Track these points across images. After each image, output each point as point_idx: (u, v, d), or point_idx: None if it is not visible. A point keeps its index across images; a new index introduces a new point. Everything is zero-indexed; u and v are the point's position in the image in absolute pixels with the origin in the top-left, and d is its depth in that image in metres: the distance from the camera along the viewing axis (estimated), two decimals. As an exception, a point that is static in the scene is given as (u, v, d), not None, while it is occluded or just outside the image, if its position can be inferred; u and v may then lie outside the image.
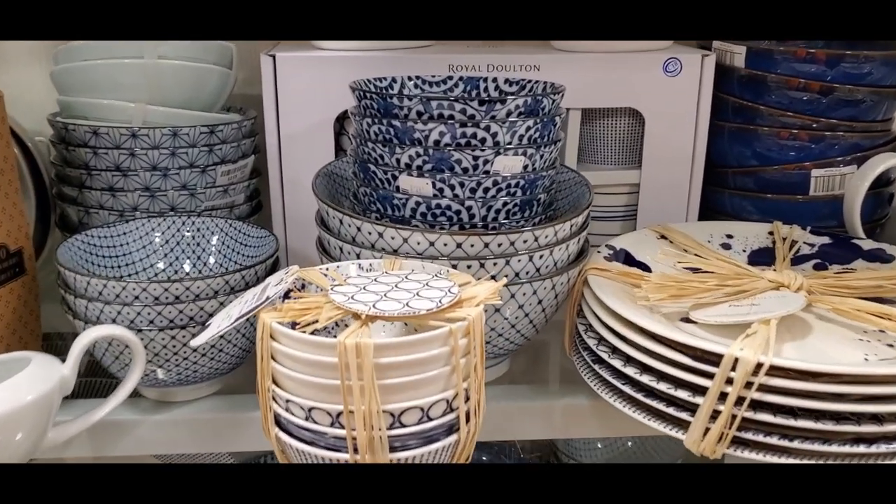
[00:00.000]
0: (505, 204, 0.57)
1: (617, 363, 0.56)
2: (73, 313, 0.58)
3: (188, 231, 0.69)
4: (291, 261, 0.77)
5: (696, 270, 0.66)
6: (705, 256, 0.66)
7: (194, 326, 0.56)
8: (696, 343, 0.51)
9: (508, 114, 0.56)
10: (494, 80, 0.67)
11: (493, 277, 0.56)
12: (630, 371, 0.55)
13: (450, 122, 0.55)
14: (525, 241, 0.56)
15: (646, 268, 0.66)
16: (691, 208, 0.79)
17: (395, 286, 0.50)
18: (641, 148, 0.79)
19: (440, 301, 0.47)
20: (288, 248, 0.77)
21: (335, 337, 0.43)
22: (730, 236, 0.71)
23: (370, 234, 0.56)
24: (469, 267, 0.55)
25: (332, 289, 0.49)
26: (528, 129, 0.56)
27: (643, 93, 0.75)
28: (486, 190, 0.56)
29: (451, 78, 0.68)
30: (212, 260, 0.69)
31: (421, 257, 0.55)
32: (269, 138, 0.74)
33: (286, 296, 0.50)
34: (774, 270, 0.63)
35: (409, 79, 0.67)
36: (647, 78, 0.75)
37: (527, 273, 0.57)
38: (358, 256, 0.57)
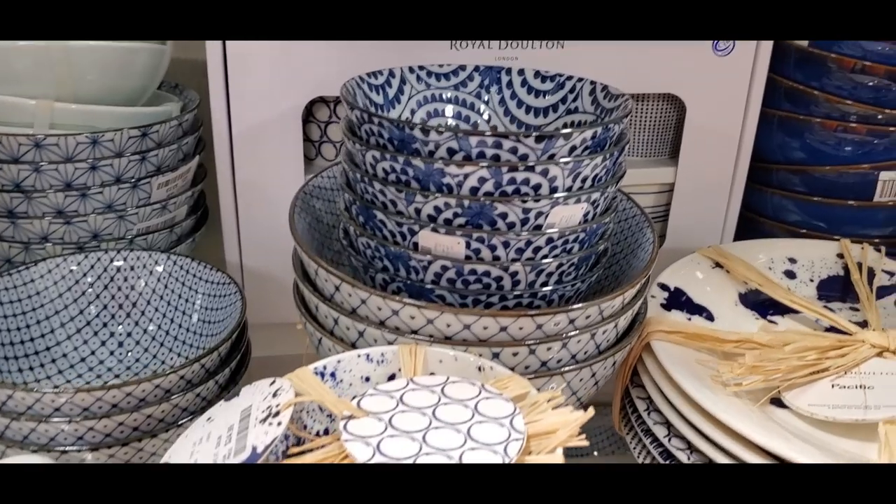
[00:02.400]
0: (559, 266, 0.43)
1: (701, 471, 0.44)
2: (-34, 422, 0.42)
3: (118, 268, 0.52)
4: (249, 288, 0.62)
5: (764, 312, 0.54)
6: (777, 297, 0.54)
7: (140, 440, 0.41)
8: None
9: (572, 150, 0.41)
10: (521, 71, 0.52)
11: (544, 364, 0.42)
12: (721, 485, 0.43)
13: (493, 164, 0.39)
14: (588, 317, 0.42)
15: (708, 313, 0.53)
16: (731, 212, 0.67)
17: (433, 415, 0.35)
18: (675, 138, 0.65)
19: (505, 450, 0.33)
20: (244, 270, 0.61)
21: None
22: (793, 261, 0.59)
23: (380, 309, 0.42)
24: (515, 355, 0.41)
25: (345, 429, 0.34)
26: (595, 167, 0.42)
27: (686, 76, 0.61)
28: (538, 250, 0.42)
29: (462, 69, 0.52)
30: (151, 313, 0.52)
31: (450, 342, 0.41)
32: (218, 135, 0.57)
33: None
34: (870, 327, 0.51)
35: (411, 70, 0.51)
36: (691, 58, 0.61)
37: (585, 353, 0.44)
38: (360, 335, 0.43)
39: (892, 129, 0.63)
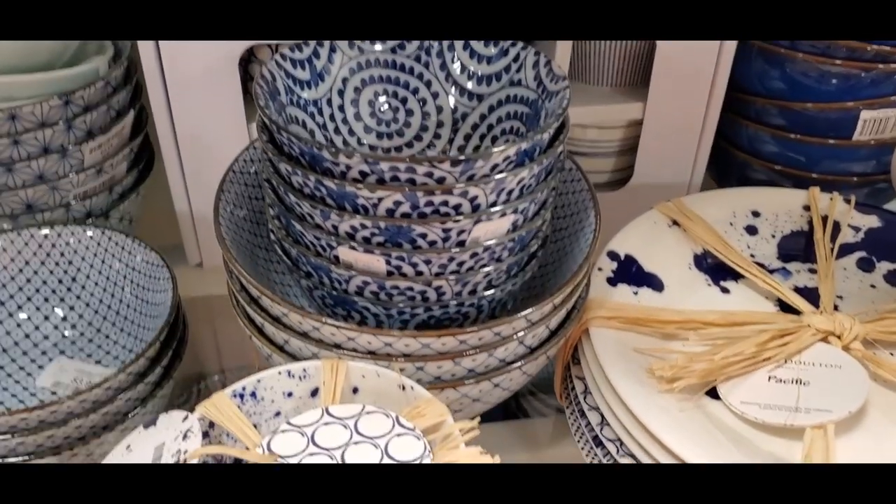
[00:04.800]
0: (486, 275, 0.42)
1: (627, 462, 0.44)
2: None
3: (53, 244, 0.51)
4: (202, 233, 0.61)
5: (717, 277, 0.53)
6: (731, 263, 0.52)
7: (71, 447, 0.42)
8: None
9: (494, 168, 0.38)
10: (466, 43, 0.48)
11: (470, 371, 0.42)
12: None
13: (409, 187, 0.37)
14: (514, 328, 0.41)
15: (658, 282, 0.52)
16: (702, 148, 0.64)
17: (342, 459, 0.36)
18: (647, 65, 0.61)
19: None
20: (194, 218, 0.60)
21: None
22: (756, 214, 0.57)
23: (301, 323, 0.41)
24: (440, 367, 0.41)
25: (253, 477, 0.35)
26: (522, 180, 0.39)
27: (656, 7, 0.56)
28: (462, 264, 0.40)
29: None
30: (92, 287, 0.52)
31: (374, 356, 0.41)
32: (153, 90, 0.54)
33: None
34: (821, 303, 0.50)
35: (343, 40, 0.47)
36: (662, -12, 0.55)
37: (515, 355, 0.43)
38: (286, 342, 0.42)
39: (880, 65, 0.59)
